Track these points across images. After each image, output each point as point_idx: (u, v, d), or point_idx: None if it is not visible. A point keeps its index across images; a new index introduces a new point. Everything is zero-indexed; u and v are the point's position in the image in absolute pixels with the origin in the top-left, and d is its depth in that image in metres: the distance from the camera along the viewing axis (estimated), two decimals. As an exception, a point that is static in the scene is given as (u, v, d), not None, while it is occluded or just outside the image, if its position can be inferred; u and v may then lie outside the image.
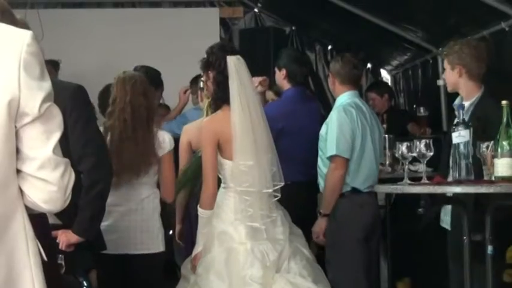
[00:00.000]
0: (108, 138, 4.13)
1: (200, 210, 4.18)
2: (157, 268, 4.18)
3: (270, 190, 4.21)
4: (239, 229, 4.15)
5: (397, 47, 8.12)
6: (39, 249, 1.87)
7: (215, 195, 4.16)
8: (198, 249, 4.20)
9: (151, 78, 4.87)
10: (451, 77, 4.57)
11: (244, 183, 4.15)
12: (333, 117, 4.87)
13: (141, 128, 4.15)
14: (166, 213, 4.49)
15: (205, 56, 4.31)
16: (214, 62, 4.24)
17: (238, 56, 4.24)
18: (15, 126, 1.81)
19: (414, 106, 7.82)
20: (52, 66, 5.95)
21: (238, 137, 4.13)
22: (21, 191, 1.85)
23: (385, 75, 9.15)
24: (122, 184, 4.12)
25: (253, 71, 4.61)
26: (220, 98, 4.22)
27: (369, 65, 8.56)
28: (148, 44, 7.87)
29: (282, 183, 4.25)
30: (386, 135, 5.16)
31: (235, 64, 4.17)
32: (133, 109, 4.14)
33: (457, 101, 4.56)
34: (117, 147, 4.09)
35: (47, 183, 1.86)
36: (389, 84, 9.01)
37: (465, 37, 6.23)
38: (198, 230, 4.25)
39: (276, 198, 4.27)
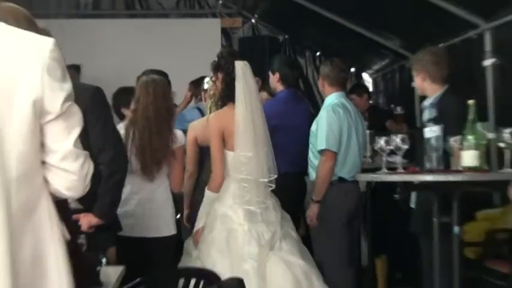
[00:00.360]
0: (131, 132, 4.16)
1: (207, 192, 4.24)
2: (169, 248, 4.20)
3: (266, 180, 4.24)
4: (238, 212, 4.17)
5: (377, 54, 8.12)
6: (62, 230, 1.88)
7: (222, 180, 4.20)
8: (199, 225, 4.25)
9: None
10: (418, 82, 4.72)
11: (243, 172, 4.18)
12: (323, 115, 4.87)
13: (164, 125, 4.15)
14: (175, 200, 4.50)
15: (215, 59, 4.34)
16: (224, 65, 4.27)
17: (245, 62, 4.28)
18: (40, 123, 1.81)
19: (392, 105, 7.82)
20: (74, 70, 5.95)
21: (240, 131, 4.17)
22: (45, 179, 1.86)
23: (367, 78, 9.16)
24: (148, 173, 4.13)
25: (251, 74, 4.64)
26: (227, 96, 4.26)
27: (352, 69, 8.55)
28: (157, 50, 7.87)
29: (276, 175, 4.29)
30: (368, 131, 5.16)
31: (242, 68, 4.22)
32: (155, 108, 4.16)
33: (424, 103, 4.66)
34: (142, 141, 4.10)
35: (68, 172, 1.86)
36: (370, 86, 9.03)
37: (438, 44, 6.28)
38: (200, 209, 4.29)
39: (271, 189, 4.31)
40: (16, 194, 1.78)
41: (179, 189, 4.32)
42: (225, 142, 4.22)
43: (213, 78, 4.38)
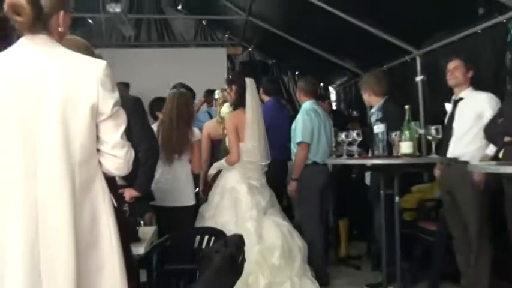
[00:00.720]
0: (160, 130, 4.13)
1: (224, 162, 4.31)
2: (190, 214, 4.14)
3: (264, 163, 4.33)
4: (242, 186, 4.17)
5: (339, 72, 8.11)
6: (111, 199, 1.87)
7: (237, 159, 4.22)
8: (212, 172, 4.42)
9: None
10: (365, 97, 4.74)
11: (250, 156, 4.22)
12: (299, 117, 4.86)
13: (182, 124, 4.09)
14: (195, 178, 4.47)
15: (229, 76, 4.39)
16: (237, 81, 4.35)
17: (251, 79, 4.37)
18: (96, 121, 1.80)
19: (350, 110, 7.83)
20: (124, 86, 5.93)
21: (249, 127, 4.23)
22: (99, 163, 1.84)
23: (332, 90, 9.13)
24: (170, 159, 4.09)
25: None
26: (239, 103, 4.30)
27: (321, 84, 8.53)
28: (181, 70, 7.78)
29: (269, 161, 4.36)
30: (333, 128, 5.14)
31: (250, 83, 4.32)
32: (177, 112, 4.11)
33: (372, 110, 4.70)
34: (166, 134, 4.06)
35: (116, 157, 1.85)
36: (334, 96, 9.02)
37: (382, 66, 6.29)
38: (214, 165, 4.43)
39: (264, 170, 4.37)
40: (78, 174, 1.77)
41: (198, 171, 4.27)
42: (239, 133, 4.24)
43: (228, 90, 4.42)
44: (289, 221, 4.43)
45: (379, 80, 4.64)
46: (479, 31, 4.42)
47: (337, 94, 9.08)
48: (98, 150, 1.83)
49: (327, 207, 5.13)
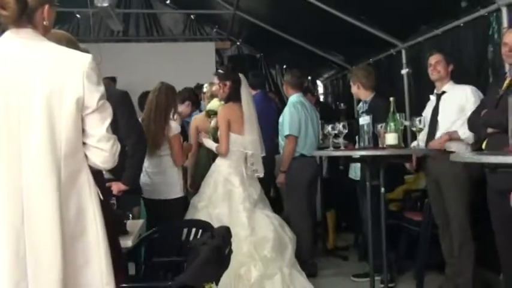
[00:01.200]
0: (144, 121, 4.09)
1: (216, 149, 4.30)
2: (177, 207, 4.10)
3: (264, 155, 4.39)
4: (235, 178, 4.17)
5: (327, 66, 8.12)
6: (98, 193, 1.87)
7: (226, 148, 4.20)
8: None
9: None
10: (354, 89, 4.74)
11: (251, 149, 4.26)
12: (286, 111, 4.87)
13: (159, 117, 4.03)
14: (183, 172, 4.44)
15: (220, 71, 4.38)
16: (232, 75, 4.35)
17: (242, 74, 4.39)
18: (82, 115, 1.80)
19: (337, 102, 7.86)
20: (111, 80, 5.89)
21: (248, 121, 4.25)
22: (85, 156, 1.84)
23: (320, 83, 9.15)
24: (153, 152, 4.04)
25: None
26: (233, 97, 4.28)
27: (309, 77, 8.55)
28: (169, 64, 7.78)
29: (264, 153, 4.41)
30: (320, 121, 5.15)
31: (243, 79, 4.33)
32: (156, 105, 4.06)
33: (360, 104, 4.72)
34: (146, 126, 3.96)
35: (102, 151, 1.85)
36: (322, 89, 9.03)
37: (369, 59, 6.30)
38: (206, 141, 4.45)
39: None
40: (64, 167, 1.76)
41: (180, 165, 4.17)
42: (230, 126, 4.22)
43: (220, 84, 4.39)
44: (278, 213, 4.45)
45: (369, 73, 4.67)
46: (461, 24, 4.46)
47: (325, 87, 9.11)
48: (84, 143, 1.83)
49: (315, 198, 5.14)
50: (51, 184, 1.72)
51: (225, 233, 2.62)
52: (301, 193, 4.78)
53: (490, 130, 3.30)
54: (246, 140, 4.25)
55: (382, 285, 3.86)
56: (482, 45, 4.21)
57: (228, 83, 4.30)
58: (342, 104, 7.18)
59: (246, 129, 4.24)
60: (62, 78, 1.76)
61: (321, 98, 8.62)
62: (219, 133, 4.30)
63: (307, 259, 4.57)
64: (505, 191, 3.06)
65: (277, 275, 3.91)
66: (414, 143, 4.04)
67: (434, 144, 3.86)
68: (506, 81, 3.27)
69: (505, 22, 3.87)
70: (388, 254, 3.83)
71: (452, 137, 3.81)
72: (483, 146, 3.46)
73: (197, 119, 4.81)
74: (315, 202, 5.18)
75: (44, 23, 1.85)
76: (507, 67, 3.42)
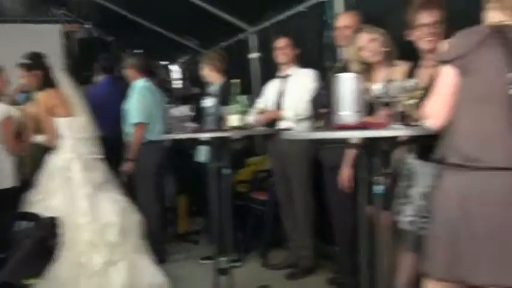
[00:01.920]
0: None
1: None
2: (6, 197, 3.75)
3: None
4: (75, 164, 3.90)
5: (181, 50, 8.03)
6: None
7: (56, 140, 3.90)
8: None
9: None
10: (205, 71, 4.76)
11: (84, 131, 3.97)
12: (134, 98, 4.69)
13: None
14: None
15: (26, 61, 4.01)
16: (41, 63, 3.98)
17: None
18: None
19: (192, 86, 7.85)
20: None
21: (75, 103, 3.97)
22: None
23: (176, 69, 9.03)
24: None
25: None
26: (50, 83, 3.93)
27: (165, 62, 8.39)
28: (7, 48, 7.12)
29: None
30: (169, 105, 5.05)
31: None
32: None
33: (211, 87, 4.70)
34: None
35: None
36: (179, 74, 8.92)
37: (221, 43, 6.35)
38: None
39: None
40: None
41: (13, 153, 3.86)
42: (54, 112, 3.90)
43: (30, 75, 4.01)
44: (133, 198, 4.29)
45: (221, 57, 4.71)
46: (303, 9, 4.61)
47: (182, 72, 9.02)
48: None
49: (163, 184, 5.07)
50: None
51: (51, 224, 2.45)
52: (149, 179, 4.67)
53: (323, 110, 3.45)
54: (76, 122, 3.99)
55: (228, 265, 3.89)
56: (319, 30, 4.40)
57: (38, 72, 3.96)
58: (196, 88, 7.14)
59: (73, 111, 3.97)
60: None
61: (178, 83, 8.52)
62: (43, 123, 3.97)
63: (157, 245, 4.47)
64: (334, 168, 3.22)
65: (123, 261, 3.78)
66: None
67: (260, 120, 4.01)
68: (336, 64, 3.43)
69: (338, 8, 4.06)
70: (237, 234, 3.87)
71: (276, 115, 4.02)
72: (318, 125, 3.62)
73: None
74: (163, 187, 5.09)
75: None
76: (342, 51, 3.59)
